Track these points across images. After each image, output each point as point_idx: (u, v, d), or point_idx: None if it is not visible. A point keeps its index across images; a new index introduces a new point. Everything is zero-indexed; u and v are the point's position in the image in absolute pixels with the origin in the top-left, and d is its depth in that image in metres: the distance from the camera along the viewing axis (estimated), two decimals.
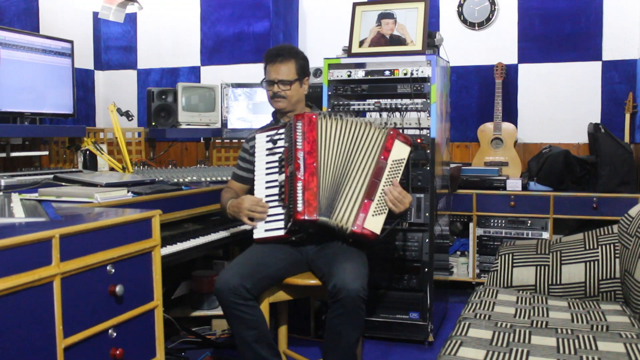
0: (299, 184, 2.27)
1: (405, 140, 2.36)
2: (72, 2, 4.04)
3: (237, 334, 2.20)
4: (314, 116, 2.36)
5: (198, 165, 3.60)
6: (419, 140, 2.98)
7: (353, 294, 2.09)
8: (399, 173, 2.33)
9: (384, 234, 2.32)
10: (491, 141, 4.08)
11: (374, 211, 2.27)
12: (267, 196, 2.38)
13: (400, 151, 2.34)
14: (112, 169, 3.11)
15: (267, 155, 2.43)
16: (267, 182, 2.40)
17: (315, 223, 2.26)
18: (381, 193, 2.29)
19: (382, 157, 2.32)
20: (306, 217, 2.24)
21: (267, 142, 2.44)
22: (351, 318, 2.12)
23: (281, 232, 2.33)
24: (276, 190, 2.36)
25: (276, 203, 2.35)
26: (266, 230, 2.36)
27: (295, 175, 2.28)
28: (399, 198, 2.28)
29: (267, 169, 2.42)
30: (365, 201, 2.27)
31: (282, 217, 2.33)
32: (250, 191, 2.50)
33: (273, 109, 2.62)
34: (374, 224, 2.26)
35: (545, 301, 2.33)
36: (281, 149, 2.39)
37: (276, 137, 2.41)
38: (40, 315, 1.43)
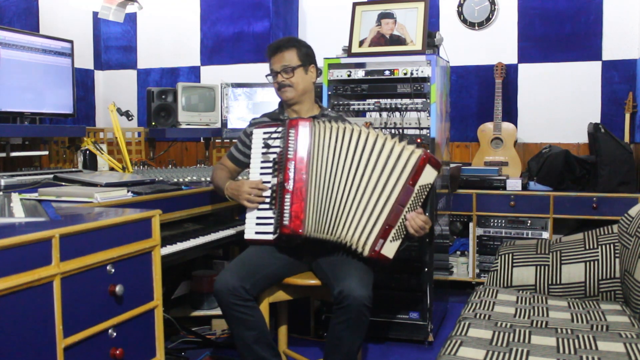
0: (287, 196, 2.22)
1: (436, 164, 2.23)
2: (72, 2, 4.04)
3: (236, 335, 2.20)
4: (307, 123, 2.28)
5: (198, 165, 3.61)
6: (418, 140, 2.98)
7: (358, 302, 2.08)
8: (422, 198, 2.24)
9: (396, 255, 2.26)
10: (491, 141, 4.08)
11: (393, 237, 2.21)
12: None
13: (429, 176, 2.22)
14: (112, 169, 3.11)
15: (263, 154, 2.37)
16: (261, 182, 2.36)
17: (300, 237, 2.23)
18: (402, 219, 2.21)
19: (410, 182, 2.19)
20: (292, 232, 2.21)
21: (264, 139, 2.37)
22: (355, 325, 2.12)
23: (270, 237, 2.31)
24: (269, 193, 2.33)
25: (268, 206, 2.32)
26: (257, 233, 2.34)
27: (284, 186, 2.23)
28: (421, 226, 2.21)
29: (261, 168, 2.37)
30: (387, 227, 2.20)
31: (272, 221, 2.31)
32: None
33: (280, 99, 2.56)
34: (390, 249, 2.22)
35: (545, 301, 2.34)
36: (276, 150, 2.32)
37: (272, 137, 2.34)
38: (40, 315, 1.43)
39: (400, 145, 2.23)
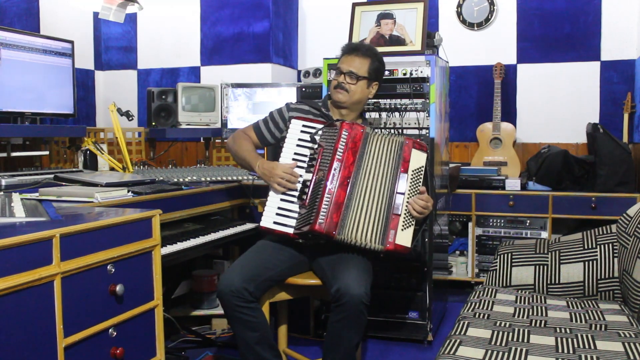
0: (327, 196, 2.20)
1: (421, 147, 2.34)
2: (73, 3, 4.05)
3: (239, 336, 2.20)
4: (362, 129, 2.29)
5: (198, 165, 3.61)
6: (418, 140, 2.98)
7: (356, 299, 2.08)
8: (420, 181, 2.30)
9: (414, 243, 2.28)
10: (490, 141, 4.09)
11: (403, 225, 2.24)
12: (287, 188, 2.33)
13: (419, 159, 2.31)
14: (112, 169, 3.12)
15: (298, 146, 2.35)
16: (293, 168, 2.33)
17: (332, 239, 2.20)
18: (407, 205, 2.25)
19: (402, 169, 2.28)
20: (325, 231, 2.17)
21: (302, 132, 2.35)
22: (353, 323, 2.12)
23: (290, 231, 2.28)
24: (298, 186, 2.30)
25: (294, 199, 2.29)
26: (275, 223, 2.29)
27: (325, 184, 2.21)
28: (423, 206, 2.26)
29: (293, 160, 2.34)
30: (393, 217, 2.23)
31: (296, 215, 2.28)
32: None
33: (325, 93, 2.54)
34: (404, 237, 2.23)
35: (544, 300, 2.34)
36: (315, 146, 2.31)
37: (315, 134, 2.32)
38: (41, 314, 1.44)
39: (390, 140, 2.32)
